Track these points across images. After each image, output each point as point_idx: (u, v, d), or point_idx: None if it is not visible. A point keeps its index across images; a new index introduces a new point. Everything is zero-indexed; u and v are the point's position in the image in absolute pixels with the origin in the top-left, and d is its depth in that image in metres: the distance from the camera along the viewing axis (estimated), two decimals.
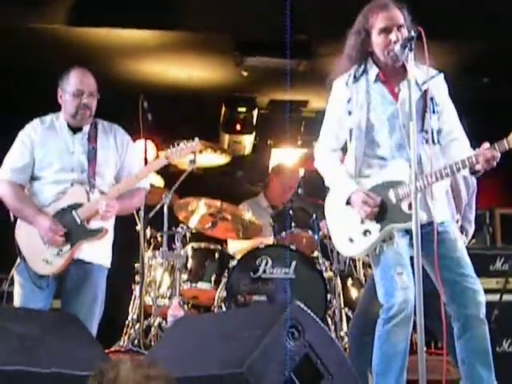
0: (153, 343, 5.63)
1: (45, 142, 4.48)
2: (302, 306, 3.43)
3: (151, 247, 6.27)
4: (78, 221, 4.35)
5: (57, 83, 4.54)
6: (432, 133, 3.82)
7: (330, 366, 3.33)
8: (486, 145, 3.68)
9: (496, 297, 5.29)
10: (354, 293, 6.28)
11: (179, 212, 6.21)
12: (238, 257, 5.89)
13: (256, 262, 5.74)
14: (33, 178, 4.48)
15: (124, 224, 4.78)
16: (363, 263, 6.28)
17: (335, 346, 3.49)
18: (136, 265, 6.04)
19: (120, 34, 7.00)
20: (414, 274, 3.42)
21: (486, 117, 7.62)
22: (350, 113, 3.89)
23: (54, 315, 4.23)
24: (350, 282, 6.32)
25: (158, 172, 5.50)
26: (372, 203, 3.78)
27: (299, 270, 5.75)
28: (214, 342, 3.48)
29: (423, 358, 3.31)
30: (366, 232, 3.83)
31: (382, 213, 3.80)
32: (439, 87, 3.92)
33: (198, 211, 6.20)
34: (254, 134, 8.80)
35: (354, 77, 3.90)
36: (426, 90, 3.84)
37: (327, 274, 5.92)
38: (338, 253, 6.06)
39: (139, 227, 5.95)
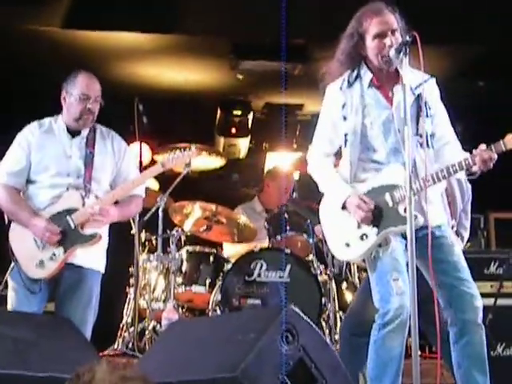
0: (147, 346, 5.63)
1: (42, 146, 4.46)
2: (297, 309, 3.43)
3: (146, 250, 6.27)
4: (73, 225, 4.34)
5: (52, 85, 4.53)
6: (426, 136, 3.83)
7: (324, 370, 3.33)
8: (483, 146, 3.69)
9: (490, 301, 5.28)
10: (348, 297, 6.28)
11: (174, 215, 6.21)
12: (233, 260, 5.89)
13: (251, 265, 5.74)
14: (28, 182, 4.47)
15: (119, 227, 4.77)
16: (358, 267, 6.29)
17: (329, 350, 3.49)
18: (131, 268, 6.04)
19: (116, 36, 7.01)
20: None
21: (482, 120, 7.63)
22: (344, 118, 3.88)
23: (47, 318, 4.23)
24: (344, 285, 6.32)
25: None
26: (365, 208, 3.78)
27: (294, 274, 5.75)
28: (208, 345, 3.47)
29: (417, 361, 3.31)
30: (362, 236, 3.82)
31: (379, 217, 3.80)
32: (431, 91, 3.93)
33: (193, 214, 6.20)
34: (249, 137, 8.80)
35: (348, 82, 3.90)
36: (419, 94, 3.85)
37: (322, 278, 5.93)
38: (332, 256, 6.05)
39: (134, 230, 5.95)
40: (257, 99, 8.56)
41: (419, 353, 3.43)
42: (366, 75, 3.90)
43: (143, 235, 6.21)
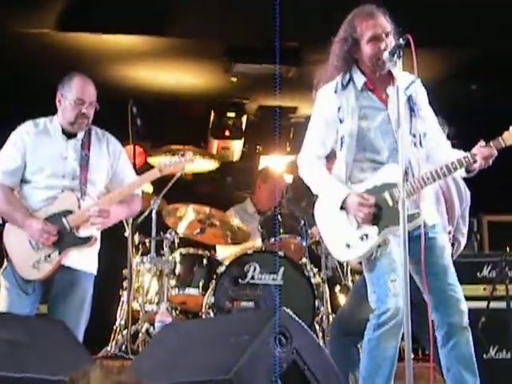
0: (140, 349, 5.62)
1: (37, 146, 4.44)
2: (290, 312, 3.43)
3: (139, 253, 6.25)
4: (68, 228, 4.33)
5: (44, 88, 4.52)
6: (420, 136, 3.84)
7: (317, 373, 3.33)
8: (482, 143, 3.71)
9: (483, 304, 5.30)
10: (341, 299, 6.28)
11: (168, 218, 6.21)
12: (227, 263, 5.89)
13: (244, 267, 5.74)
14: (23, 181, 4.45)
15: (112, 230, 4.76)
16: (351, 270, 6.29)
17: (323, 353, 3.49)
18: (124, 270, 6.03)
19: (109, 39, 7.00)
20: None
21: (475, 123, 7.64)
22: (341, 121, 3.87)
23: (40, 320, 4.21)
24: (337, 288, 6.33)
25: None
26: (368, 204, 3.77)
27: (287, 276, 5.75)
28: (201, 348, 3.47)
29: (410, 365, 3.32)
30: (363, 237, 3.81)
31: (379, 216, 3.80)
32: (419, 92, 3.95)
33: (186, 217, 6.20)
34: (242, 139, 8.80)
35: (342, 85, 3.91)
36: (410, 95, 3.86)
37: (315, 281, 5.93)
38: (326, 259, 6.08)
39: (127, 233, 5.94)
40: (250, 102, 8.56)
41: (412, 356, 3.43)
42: (359, 78, 3.90)
43: (137, 237, 6.20)
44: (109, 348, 5.72)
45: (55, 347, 3.57)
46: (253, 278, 5.72)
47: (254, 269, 5.73)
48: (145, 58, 7.41)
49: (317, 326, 5.82)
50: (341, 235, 3.89)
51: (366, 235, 3.81)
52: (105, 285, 4.64)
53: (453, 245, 4.79)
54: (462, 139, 4.25)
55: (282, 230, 6.03)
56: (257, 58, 7.18)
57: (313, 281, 5.84)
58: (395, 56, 3.59)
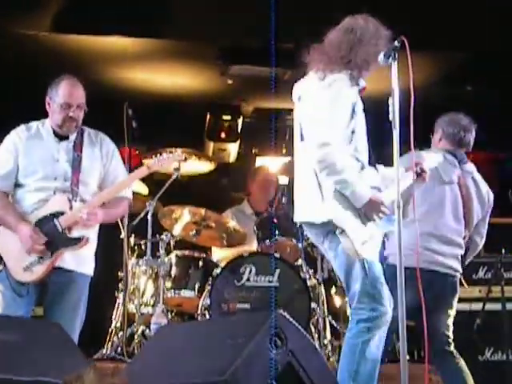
0: (136, 351, 5.61)
1: (29, 150, 4.45)
2: (286, 314, 3.44)
3: (135, 255, 6.25)
4: (60, 229, 4.33)
5: (40, 89, 4.52)
6: None
7: (312, 375, 3.33)
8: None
9: (479, 305, 5.31)
10: (337, 301, 6.29)
11: (163, 220, 6.20)
12: (222, 265, 5.88)
13: (240, 269, 5.74)
14: (16, 186, 4.45)
15: (108, 231, 4.77)
16: None
17: (318, 355, 3.49)
18: (120, 272, 6.02)
19: (105, 41, 7.00)
20: None
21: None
22: (352, 116, 3.87)
23: (35, 322, 4.21)
24: (333, 290, 6.34)
25: (142, 179, 5.49)
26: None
27: (283, 278, 5.75)
28: (197, 350, 3.47)
29: (405, 366, 3.32)
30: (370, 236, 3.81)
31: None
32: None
33: (182, 219, 6.19)
34: (238, 141, 8.80)
35: (352, 80, 3.91)
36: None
37: (311, 283, 5.93)
38: (322, 261, 6.08)
39: (123, 235, 5.94)
40: (246, 104, 8.56)
41: (407, 357, 3.44)
42: (362, 82, 3.94)
43: (132, 240, 6.19)
44: (104, 350, 5.71)
45: (51, 349, 3.57)
46: (248, 279, 5.72)
47: (250, 271, 5.73)
48: (141, 60, 7.41)
49: (312, 328, 5.82)
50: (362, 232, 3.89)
51: (372, 235, 3.81)
52: (100, 287, 4.64)
53: (467, 248, 4.80)
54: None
55: (277, 232, 6.04)
56: (252, 60, 7.18)
57: (309, 283, 5.84)
58: (390, 58, 3.60)
